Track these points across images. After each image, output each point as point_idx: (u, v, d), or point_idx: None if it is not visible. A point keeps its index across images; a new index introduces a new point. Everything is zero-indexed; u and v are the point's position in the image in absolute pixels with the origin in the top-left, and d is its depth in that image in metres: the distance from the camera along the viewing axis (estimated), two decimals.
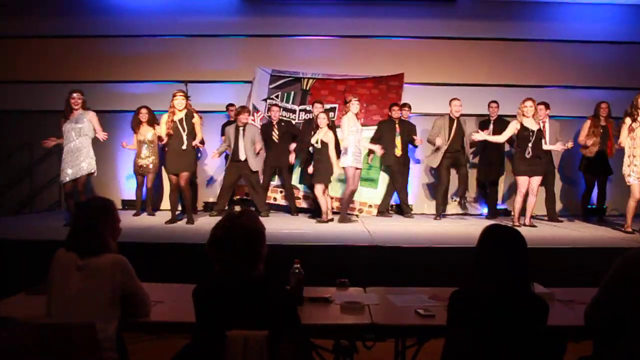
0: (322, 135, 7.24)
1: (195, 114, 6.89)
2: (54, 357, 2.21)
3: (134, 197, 8.23)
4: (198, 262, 2.77)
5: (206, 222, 7.06)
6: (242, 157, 7.63)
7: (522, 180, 6.77)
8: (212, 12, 9.10)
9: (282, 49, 9.18)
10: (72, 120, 6.55)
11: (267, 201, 8.17)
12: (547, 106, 7.61)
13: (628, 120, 6.37)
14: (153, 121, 7.76)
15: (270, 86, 8.77)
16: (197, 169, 7.95)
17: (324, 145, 7.21)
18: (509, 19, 9.02)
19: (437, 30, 9.04)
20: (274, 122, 8.16)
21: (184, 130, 6.68)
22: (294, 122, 8.57)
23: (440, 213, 7.99)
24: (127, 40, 9.10)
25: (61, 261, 2.53)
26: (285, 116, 8.56)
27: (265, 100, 8.68)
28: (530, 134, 6.65)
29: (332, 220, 7.27)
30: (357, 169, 7.31)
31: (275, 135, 8.09)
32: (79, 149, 6.53)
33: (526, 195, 6.80)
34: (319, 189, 7.28)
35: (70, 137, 6.52)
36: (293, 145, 8.03)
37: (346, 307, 2.82)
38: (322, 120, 7.26)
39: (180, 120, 6.70)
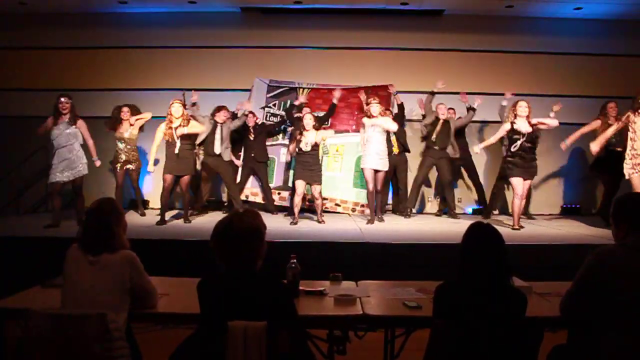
0: (314, 137, 6.87)
1: (191, 120, 6.79)
2: (67, 346, 2.21)
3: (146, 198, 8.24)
4: (202, 258, 2.77)
5: (207, 221, 7.04)
6: (216, 151, 7.59)
7: (517, 182, 6.31)
8: (214, 24, 9.08)
9: (279, 60, 9.14)
10: (61, 125, 6.34)
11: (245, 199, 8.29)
12: None
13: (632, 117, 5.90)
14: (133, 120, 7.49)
15: (268, 95, 8.77)
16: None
17: (315, 147, 6.91)
18: (491, 32, 9.04)
19: (425, 43, 9.07)
20: (250, 126, 8.05)
21: (177, 137, 6.58)
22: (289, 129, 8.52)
23: (412, 207, 7.77)
24: (139, 51, 9.15)
25: (74, 256, 2.55)
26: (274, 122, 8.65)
27: (262, 108, 8.68)
28: (521, 136, 6.27)
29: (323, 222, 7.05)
30: (376, 171, 6.96)
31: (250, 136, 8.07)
32: (73, 153, 6.34)
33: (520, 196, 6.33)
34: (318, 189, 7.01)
35: (61, 141, 6.31)
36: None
37: (339, 299, 2.83)
38: (309, 121, 6.89)
39: (176, 128, 6.61)
